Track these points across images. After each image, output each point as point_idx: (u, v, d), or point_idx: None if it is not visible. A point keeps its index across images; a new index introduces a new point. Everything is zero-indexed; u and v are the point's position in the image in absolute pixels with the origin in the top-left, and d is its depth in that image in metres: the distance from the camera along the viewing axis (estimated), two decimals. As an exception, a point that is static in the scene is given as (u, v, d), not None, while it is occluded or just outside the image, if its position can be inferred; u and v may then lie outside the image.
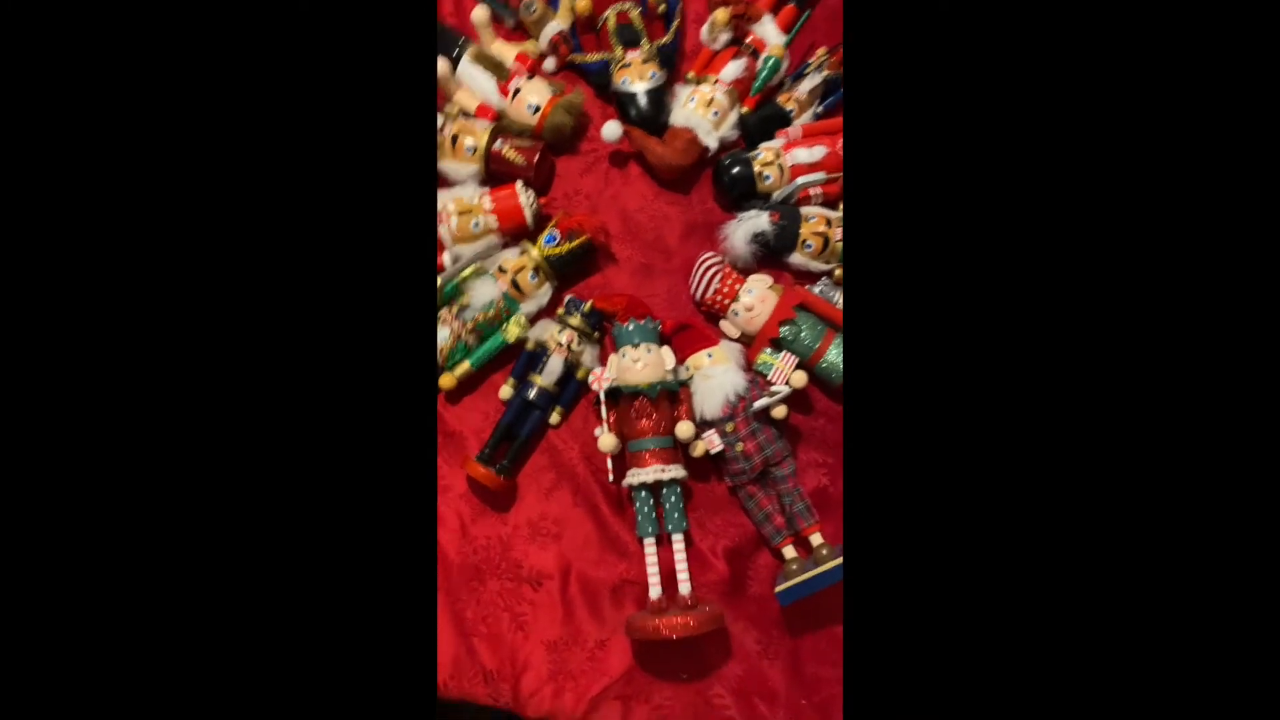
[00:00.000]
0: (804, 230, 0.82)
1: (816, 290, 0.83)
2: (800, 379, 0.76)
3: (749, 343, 0.81)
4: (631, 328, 0.77)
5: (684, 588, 0.74)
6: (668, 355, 0.78)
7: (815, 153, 0.83)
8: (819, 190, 0.84)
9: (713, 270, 0.81)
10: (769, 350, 0.78)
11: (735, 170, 0.84)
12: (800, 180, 0.83)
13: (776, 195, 0.84)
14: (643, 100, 0.86)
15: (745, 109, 0.88)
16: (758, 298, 0.80)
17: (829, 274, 0.84)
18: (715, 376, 0.77)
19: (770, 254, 0.83)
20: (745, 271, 0.83)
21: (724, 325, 0.82)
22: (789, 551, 0.76)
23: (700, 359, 0.79)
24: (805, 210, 0.83)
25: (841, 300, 0.82)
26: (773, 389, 0.75)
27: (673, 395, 0.78)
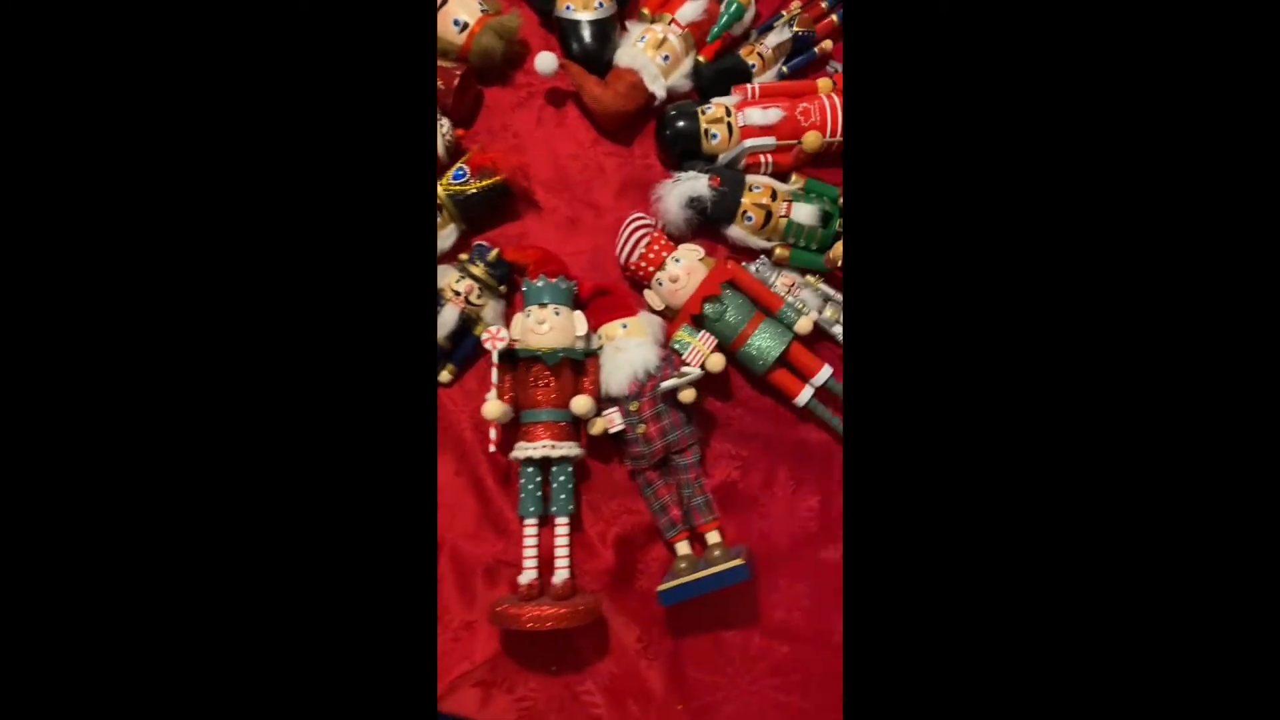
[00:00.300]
0: (746, 200, 0.74)
1: (752, 269, 0.75)
2: (717, 363, 0.69)
3: (672, 317, 0.74)
4: (541, 285, 0.70)
5: (560, 575, 0.68)
6: (579, 320, 0.71)
7: (770, 115, 0.75)
8: (769, 158, 0.76)
9: (641, 233, 0.74)
10: (688, 328, 0.71)
11: (679, 124, 0.75)
12: (749, 143, 0.75)
13: (723, 157, 0.76)
14: (586, 32, 0.77)
15: (702, 58, 0.79)
16: (684, 269, 0.72)
17: (768, 252, 0.76)
18: (626, 350, 0.70)
19: (708, 222, 0.76)
20: (678, 239, 0.75)
21: (648, 295, 0.75)
22: (682, 547, 0.70)
23: (614, 329, 0.72)
24: (751, 178, 0.75)
25: (778, 283, 0.75)
26: (684, 369, 0.68)
27: (577, 365, 0.71)
